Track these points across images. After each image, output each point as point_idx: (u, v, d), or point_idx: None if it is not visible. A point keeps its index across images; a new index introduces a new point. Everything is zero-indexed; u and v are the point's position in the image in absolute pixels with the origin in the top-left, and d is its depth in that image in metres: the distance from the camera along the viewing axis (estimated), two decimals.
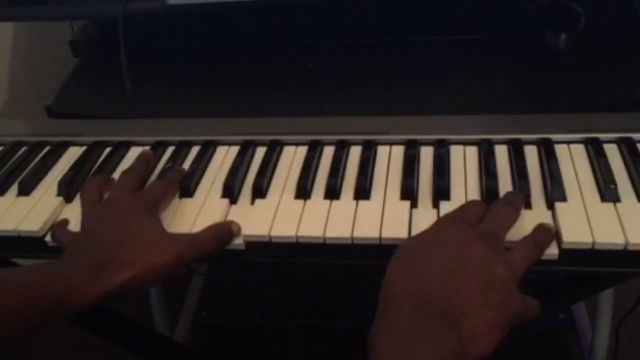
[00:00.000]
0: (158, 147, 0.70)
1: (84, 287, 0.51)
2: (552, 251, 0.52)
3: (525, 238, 0.52)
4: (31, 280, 0.51)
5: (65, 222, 0.60)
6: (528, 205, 0.56)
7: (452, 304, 0.45)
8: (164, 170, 0.66)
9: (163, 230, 0.56)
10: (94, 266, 0.52)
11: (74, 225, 0.60)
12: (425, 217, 0.56)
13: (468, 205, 0.55)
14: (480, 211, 0.54)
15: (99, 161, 0.69)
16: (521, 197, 0.56)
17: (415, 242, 0.52)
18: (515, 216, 0.54)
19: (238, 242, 0.57)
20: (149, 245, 0.54)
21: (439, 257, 0.49)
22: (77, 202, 0.63)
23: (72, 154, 0.70)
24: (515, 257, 0.50)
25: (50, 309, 0.51)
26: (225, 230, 0.57)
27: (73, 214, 0.61)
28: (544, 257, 0.52)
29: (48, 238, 0.59)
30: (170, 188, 0.62)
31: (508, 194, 0.57)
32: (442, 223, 0.53)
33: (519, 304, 0.47)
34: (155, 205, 0.59)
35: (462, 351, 0.44)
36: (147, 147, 0.70)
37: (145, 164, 0.66)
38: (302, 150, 0.66)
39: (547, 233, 0.53)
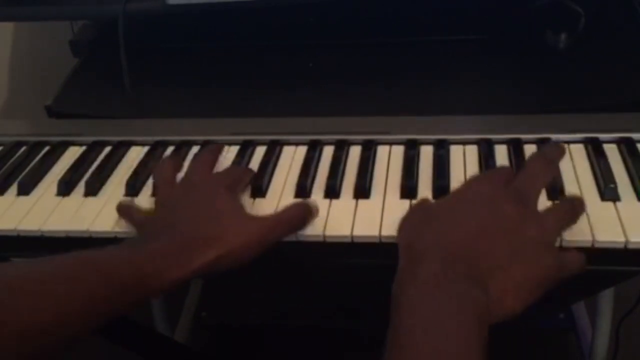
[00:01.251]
0: (158, 147, 0.70)
1: (167, 270, 0.49)
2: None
3: (558, 204, 0.51)
4: (110, 269, 0.49)
5: (131, 204, 0.59)
6: None
7: (479, 262, 0.44)
8: None
9: (245, 210, 0.55)
10: (176, 248, 0.50)
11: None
12: None
13: (498, 168, 0.54)
14: (511, 173, 0.53)
15: (99, 161, 0.69)
16: (560, 150, 0.55)
17: (442, 200, 0.51)
18: (551, 172, 0.52)
19: None
20: (232, 225, 0.52)
21: (467, 213, 0.48)
22: (74, 199, 0.63)
23: (72, 154, 0.70)
24: (548, 218, 0.48)
25: (130, 294, 0.49)
26: (308, 208, 0.55)
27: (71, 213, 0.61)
28: None
29: (48, 235, 0.59)
30: (248, 174, 0.60)
31: (547, 146, 0.55)
32: (471, 181, 0.52)
33: (550, 262, 0.46)
34: (235, 186, 0.57)
35: (489, 309, 0.43)
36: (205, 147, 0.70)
37: (217, 151, 0.64)
38: (302, 150, 0.66)
39: (578, 200, 0.52)
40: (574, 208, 0.51)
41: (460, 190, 0.51)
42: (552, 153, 0.54)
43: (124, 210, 0.58)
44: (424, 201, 0.53)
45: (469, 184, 0.52)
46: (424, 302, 0.43)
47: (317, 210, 0.56)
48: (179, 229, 0.52)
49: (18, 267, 0.49)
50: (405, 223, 0.50)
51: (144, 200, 0.62)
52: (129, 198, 0.62)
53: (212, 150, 0.64)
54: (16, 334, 0.44)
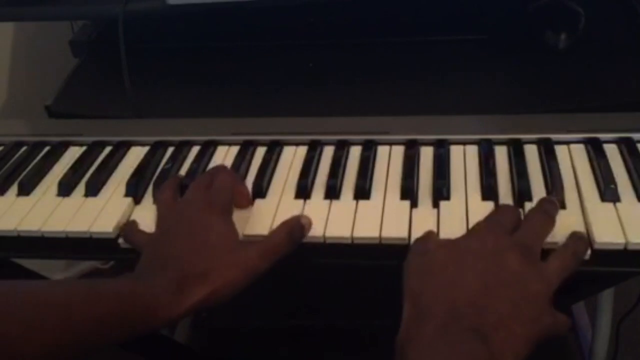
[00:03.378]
0: (158, 147, 0.70)
1: (165, 306, 0.50)
2: (554, 239, 0.52)
3: (561, 248, 0.51)
4: (112, 298, 0.50)
5: (133, 223, 0.60)
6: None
7: (484, 319, 0.45)
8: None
9: (237, 238, 0.55)
10: (174, 284, 0.51)
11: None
12: (425, 217, 0.56)
13: (502, 211, 0.54)
14: (515, 217, 0.53)
15: (99, 161, 0.69)
16: (556, 205, 0.55)
17: (448, 248, 0.50)
18: (551, 225, 0.53)
19: None
20: (225, 258, 0.52)
21: (473, 268, 0.48)
22: (74, 199, 0.63)
23: (72, 154, 0.70)
24: (550, 271, 0.49)
25: (130, 327, 0.50)
26: (295, 226, 0.55)
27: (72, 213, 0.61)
28: (541, 252, 0.52)
29: (49, 235, 0.59)
30: (237, 181, 0.60)
31: (544, 201, 0.55)
32: (477, 230, 0.52)
33: (549, 320, 0.47)
34: (228, 205, 0.57)
35: None
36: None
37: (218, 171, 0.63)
38: (302, 150, 0.66)
39: (581, 242, 0.52)
40: (575, 255, 0.51)
41: (463, 239, 0.51)
42: (551, 208, 0.54)
43: (127, 234, 0.59)
44: (425, 241, 0.53)
45: (474, 232, 0.52)
46: (431, 352, 0.44)
47: (309, 224, 0.56)
48: (175, 263, 0.52)
49: (10, 291, 0.49)
50: (412, 269, 0.50)
51: (147, 206, 0.62)
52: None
53: (212, 172, 0.62)
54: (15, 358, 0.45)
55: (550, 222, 0.53)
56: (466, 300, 0.46)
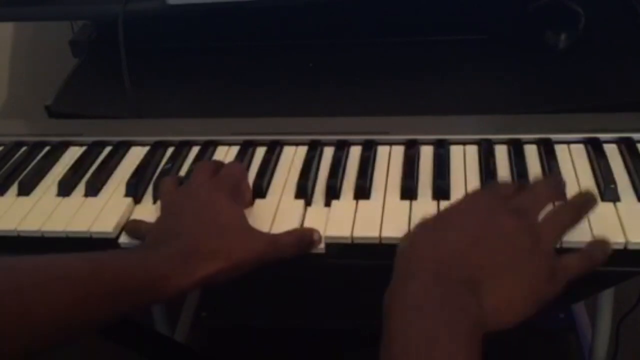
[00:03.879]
0: (158, 147, 0.70)
1: (172, 276, 0.49)
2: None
3: (561, 204, 0.51)
4: (120, 268, 0.49)
5: (137, 220, 0.59)
6: None
7: (474, 271, 0.44)
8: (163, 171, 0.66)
9: (246, 222, 0.55)
10: (184, 255, 0.50)
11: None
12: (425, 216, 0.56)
13: (501, 182, 0.54)
14: (513, 187, 0.52)
15: (99, 161, 0.69)
16: (561, 184, 0.54)
17: (443, 211, 0.51)
18: (552, 196, 0.52)
19: None
20: (234, 238, 0.52)
21: (465, 224, 0.47)
22: (74, 199, 0.63)
23: (72, 154, 0.70)
24: (545, 227, 0.48)
25: (138, 297, 0.49)
26: (306, 237, 0.55)
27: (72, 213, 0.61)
28: None
29: (49, 235, 0.59)
30: (245, 172, 0.61)
31: (548, 178, 0.55)
32: (473, 193, 0.52)
33: (544, 275, 0.45)
34: (235, 189, 0.57)
35: (482, 319, 0.42)
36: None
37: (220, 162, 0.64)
38: (302, 150, 0.66)
39: (588, 198, 0.51)
40: (577, 208, 0.50)
41: (458, 202, 0.51)
42: (555, 183, 0.54)
43: (131, 228, 0.59)
44: (424, 219, 0.53)
45: (468, 195, 0.52)
46: (416, 313, 0.42)
47: (319, 240, 0.55)
48: (185, 238, 0.52)
49: (28, 264, 0.49)
50: (402, 242, 0.50)
51: (147, 206, 0.62)
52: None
53: (217, 162, 0.63)
54: (28, 328, 0.45)
55: (552, 192, 0.52)
56: (454, 254, 0.45)
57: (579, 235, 0.52)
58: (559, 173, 0.59)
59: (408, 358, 0.41)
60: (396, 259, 0.47)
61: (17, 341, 0.44)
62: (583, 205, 0.51)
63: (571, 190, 0.57)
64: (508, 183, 0.54)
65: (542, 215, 0.49)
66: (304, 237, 0.55)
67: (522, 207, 0.49)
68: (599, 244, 0.50)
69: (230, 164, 0.62)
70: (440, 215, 0.50)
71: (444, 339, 0.41)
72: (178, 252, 0.51)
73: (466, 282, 0.43)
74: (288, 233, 0.55)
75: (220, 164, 0.62)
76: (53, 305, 0.46)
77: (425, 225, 0.49)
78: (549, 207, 0.51)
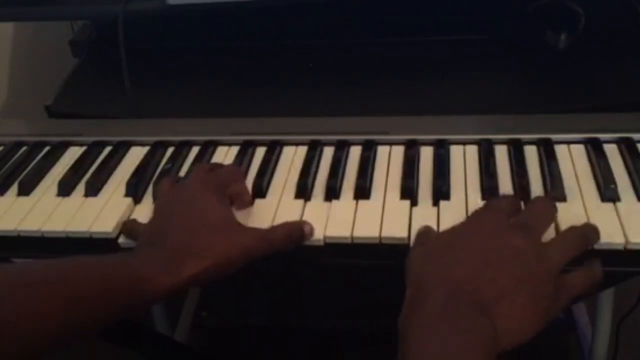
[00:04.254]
0: (158, 147, 0.70)
1: (159, 277, 0.50)
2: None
3: (567, 229, 0.51)
4: (106, 272, 0.50)
5: (135, 220, 0.60)
6: None
7: (485, 293, 0.45)
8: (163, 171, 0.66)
9: (234, 219, 0.55)
10: (168, 256, 0.51)
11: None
12: (425, 216, 0.56)
13: (504, 197, 0.55)
14: (515, 203, 0.53)
15: (99, 161, 0.69)
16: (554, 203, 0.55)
17: (448, 232, 0.51)
18: (554, 212, 0.53)
19: None
20: (221, 236, 0.53)
21: (473, 246, 0.48)
22: (74, 199, 0.63)
23: (72, 154, 0.70)
24: (552, 249, 0.49)
25: (126, 300, 0.50)
26: (297, 230, 0.55)
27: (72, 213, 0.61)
28: None
29: (49, 235, 0.59)
30: (240, 173, 0.61)
31: (548, 197, 0.56)
32: (476, 214, 0.52)
33: (552, 294, 0.46)
34: (225, 190, 0.58)
35: (495, 340, 0.43)
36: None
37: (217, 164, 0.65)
38: (302, 150, 0.66)
39: (591, 228, 0.52)
40: (585, 235, 0.51)
41: (463, 224, 0.52)
42: (552, 201, 0.55)
43: (126, 228, 0.59)
44: (426, 233, 0.53)
45: (472, 218, 0.53)
46: (431, 336, 0.43)
47: (311, 232, 0.56)
48: (172, 237, 0.53)
49: (17, 269, 0.50)
50: (413, 257, 0.50)
51: (147, 206, 0.62)
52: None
53: (216, 164, 0.64)
54: (17, 334, 0.44)
55: (553, 208, 0.53)
56: (466, 277, 0.46)
57: None
58: (559, 175, 0.59)
59: None
60: (408, 285, 0.48)
61: (9, 346, 0.44)
62: (592, 235, 0.52)
63: (571, 191, 0.57)
64: (509, 198, 0.55)
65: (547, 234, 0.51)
66: (294, 229, 0.55)
67: (526, 224, 0.50)
68: (598, 262, 0.51)
69: (228, 166, 0.63)
70: (446, 239, 0.51)
71: (456, 356, 0.42)
72: (163, 253, 0.51)
73: (479, 304, 0.44)
74: (279, 226, 0.55)
75: (218, 166, 0.62)
76: (34, 314, 0.46)
77: (432, 248, 0.50)
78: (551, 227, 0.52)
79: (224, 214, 0.55)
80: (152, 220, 0.57)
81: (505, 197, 0.55)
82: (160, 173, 0.65)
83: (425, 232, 0.54)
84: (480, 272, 0.46)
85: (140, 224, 0.58)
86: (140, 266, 0.50)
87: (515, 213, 0.52)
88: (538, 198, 0.55)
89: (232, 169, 0.62)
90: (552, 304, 0.46)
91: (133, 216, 0.61)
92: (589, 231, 0.52)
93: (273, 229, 0.55)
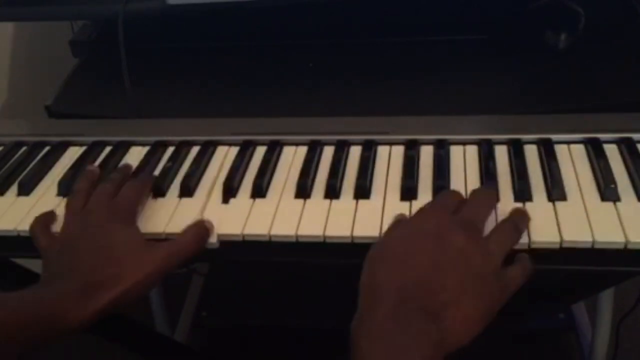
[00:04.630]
0: (158, 147, 0.70)
1: (73, 311, 0.51)
2: (554, 239, 0.52)
3: (501, 223, 0.53)
4: (18, 307, 0.51)
5: (47, 219, 0.60)
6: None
7: (432, 297, 0.46)
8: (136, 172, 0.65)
9: (141, 241, 0.56)
10: (79, 289, 0.52)
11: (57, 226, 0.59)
12: None
13: (445, 194, 0.56)
14: (458, 198, 0.55)
15: (99, 161, 0.69)
16: (495, 190, 0.57)
17: (395, 234, 0.52)
18: (493, 202, 0.55)
19: (237, 239, 0.57)
20: (129, 261, 0.53)
21: (418, 249, 0.49)
22: None
23: (72, 154, 0.70)
24: (493, 244, 0.50)
25: (41, 333, 0.51)
26: (201, 229, 0.56)
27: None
28: (541, 253, 0.52)
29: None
30: (143, 189, 0.61)
31: (486, 187, 0.58)
32: (421, 213, 0.54)
33: (496, 291, 0.48)
34: (131, 212, 0.58)
35: (442, 342, 0.45)
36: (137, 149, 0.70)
37: (123, 175, 0.64)
38: (302, 150, 0.66)
39: (522, 215, 0.54)
40: (516, 225, 0.52)
41: (409, 225, 0.53)
42: (490, 186, 0.57)
43: (34, 227, 0.59)
44: (387, 233, 0.54)
45: (420, 215, 0.54)
46: (381, 340, 0.44)
47: (212, 227, 0.57)
48: (80, 270, 0.53)
49: None
50: (367, 260, 0.51)
51: (146, 206, 0.62)
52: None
53: (114, 178, 0.62)
54: None
55: (491, 198, 0.55)
56: (414, 281, 0.47)
57: (579, 234, 0.52)
58: (559, 175, 0.59)
59: None
60: (360, 290, 0.49)
61: None
62: (521, 221, 0.53)
63: (571, 191, 0.57)
64: (452, 193, 0.56)
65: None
66: (199, 229, 0.56)
67: (468, 220, 0.52)
68: (526, 256, 0.52)
69: (126, 187, 0.61)
70: (393, 242, 0.52)
71: None
72: (74, 287, 0.52)
73: (425, 309, 0.46)
74: (184, 232, 0.56)
75: (119, 184, 0.61)
76: None
77: (381, 253, 0.51)
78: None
79: (130, 238, 0.56)
80: (59, 249, 0.56)
81: (448, 192, 0.57)
82: (161, 173, 0.65)
83: (388, 229, 0.54)
84: (427, 277, 0.47)
85: (45, 235, 0.58)
86: (52, 303, 0.51)
87: (459, 206, 0.54)
88: (477, 190, 0.57)
89: (132, 189, 0.61)
90: (496, 302, 0.48)
91: None
92: (517, 219, 0.53)
93: (180, 238, 0.56)
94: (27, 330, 0.51)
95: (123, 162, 0.68)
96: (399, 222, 0.54)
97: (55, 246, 0.57)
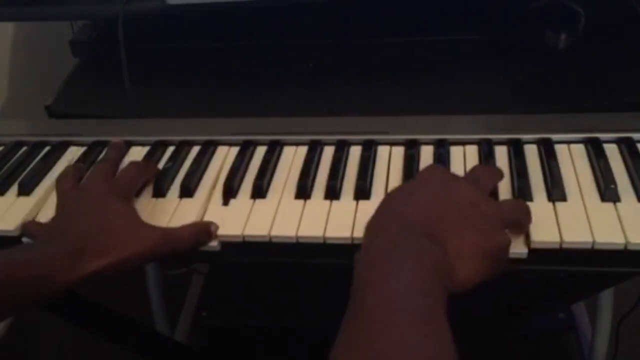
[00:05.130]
0: (158, 147, 0.70)
1: (59, 272, 0.51)
2: (554, 239, 0.52)
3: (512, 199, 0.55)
4: (5, 264, 0.51)
5: (32, 222, 0.61)
6: None
7: (436, 225, 0.46)
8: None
9: (139, 218, 0.56)
10: (69, 252, 0.52)
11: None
12: None
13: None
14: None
15: (99, 161, 0.69)
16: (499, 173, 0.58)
17: (400, 185, 0.54)
18: (498, 175, 0.56)
19: (237, 240, 0.57)
20: (124, 234, 0.54)
21: (424, 190, 0.50)
22: None
23: (72, 154, 0.70)
24: (500, 204, 0.52)
25: (24, 293, 0.51)
26: (203, 230, 0.57)
27: None
28: (541, 252, 0.52)
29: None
30: (143, 172, 0.62)
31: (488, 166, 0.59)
32: (427, 167, 0.55)
33: (500, 239, 0.48)
34: (129, 191, 0.59)
35: (448, 267, 0.44)
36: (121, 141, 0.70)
37: (118, 152, 0.66)
38: (302, 150, 0.66)
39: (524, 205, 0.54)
40: (527, 210, 0.53)
41: (417, 175, 0.55)
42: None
43: (25, 225, 0.60)
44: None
45: (426, 168, 0.55)
46: (383, 262, 0.44)
47: (216, 232, 0.57)
48: (72, 236, 0.54)
49: None
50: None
51: (146, 205, 0.62)
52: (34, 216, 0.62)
53: (110, 158, 0.64)
54: None
55: (495, 171, 0.57)
56: (417, 213, 0.48)
57: (579, 235, 0.52)
58: (559, 175, 0.59)
59: (374, 291, 0.42)
60: (364, 232, 0.49)
61: None
62: (528, 212, 0.53)
63: (571, 191, 0.57)
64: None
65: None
66: (201, 230, 0.57)
67: (475, 178, 0.53)
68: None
69: (128, 166, 0.62)
70: (398, 188, 0.53)
71: (409, 271, 0.42)
72: (64, 250, 0.52)
73: (429, 234, 0.46)
74: (186, 226, 0.57)
75: (116, 165, 0.63)
76: None
77: (385, 201, 0.52)
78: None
79: (127, 214, 0.56)
80: (52, 220, 0.57)
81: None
82: (161, 173, 0.65)
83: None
84: (431, 209, 0.48)
85: (37, 224, 0.59)
86: (40, 263, 0.51)
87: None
88: (476, 166, 0.58)
89: (132, 169, 0.62)
90: (498, 248, 0.48)
91: None
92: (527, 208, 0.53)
93: (181, 228, 0.57)
94: (14, 288, 0.51)
95: (123, 162, 0.68)
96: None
97: (51, 220, 0.57)
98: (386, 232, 0.46)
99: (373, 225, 0.49)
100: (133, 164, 0.64)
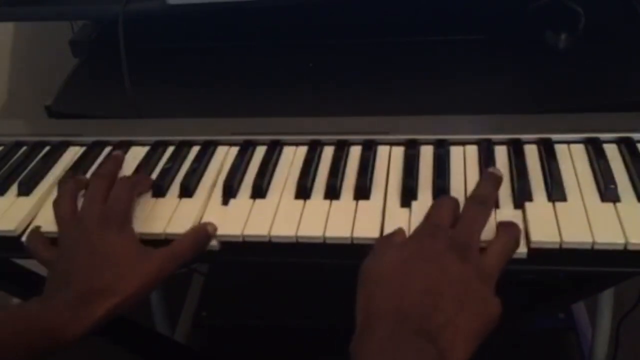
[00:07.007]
0: (158, 147, 0.69)
1: (69, 325, 0.51)
2: (554, 239, 0.52)
3: (495, 240, 0.52)
4: (19, 319, 0.52)
5: (39, 233, 0.59)
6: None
7: (429, 319, 0.46)
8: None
9: (138, 247, 0.55)
10: (75, 301, 0.52)
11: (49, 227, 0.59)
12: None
13: (439, 207, 0.55)
14: (451, 210, 0.54)
15: (99, 161, 0.69)
16: (491, 191, 0.56)
17: (391, 258, 0.51)
18: (487, 215, 0.54)
19: (237, 240, 0.57)
20: (125, 269, 0.53)
21: (415, 272, 0.49)
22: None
23: (72, 154, 0.70)
24: (488, 264, 0.50)
25: (40, 345, 0.52)
26: (201, 234, 0.57)
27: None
28: (541, 252, 0.52)
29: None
30: (134, 188, 0.60)
31: (478, 190, 0.57)
32: (416, 236, 0.53)
33: (493, 311, 0.48)
34: (125, 215, 0.57)
35: None
36: (119, 151, 0.70)
37: (117, 166, 0.64)
38: (302, 150, 0.66)
39: (514, 228, 0.53)
40: (514, 237, 0.52)
41: (405, 249, 0.52)
42: (485, 196, 0.56)
43: (31, 243, 0.59)
44: (383, 253, 0.53)
45: (413, 239, 0.53)
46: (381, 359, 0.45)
47: (214, 231, 0.57)
48: (76, 280, 0.53)
49: None
50: (363, 275, 0.51)
51: (146, 204, 0.62)
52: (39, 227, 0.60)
53: (106, 174, 0.62)
54: None
55: (486, 212, 0.54)
56: (412, 303, 0.47)
57: (579, 235, 0.52)
58: (559, 175, 0.59)
59: None
60: (357, 312, 0.49)
61: None
62: (516, 232, 0.53)
63: (571, 191, 0.57)
64: (445, 207, 0.55)
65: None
66: (199, 234, 0.56)
67: (462, 241, 0.51)
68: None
69: (120, 186, 0.60)
70: (390, 264, 0.51)
71: None
72: (69, 298, 0.52)
73: (423, 331, 0.46)
74: (183, 237, 0.56)
75: (113, 180, 0.61)
76: None
77: (378, 275, 0.50)
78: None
79: (125, 245, 0.55)
80: (57, 259, 0.56)
81: (441, 205, 0.55)
82: (161, 173, 0.65)
83: (383, 241, 0.54)
84: (425, 299, 0.47)
85: (44, 249, 0.58)
86: (49, 317, 0.52)
87: (454, 220, 0.53)
88: (468, 205, 0.55)
89: (122, 190, 0.59)
90: (491, 320, 0.48)
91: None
92: (517, 233, 0.52)
93: (178, 242, 0.56)
94: (32, 340, 0.51)
95: (123, 162, 0.68)
96: (394, 242, 0.53)
97: (55, 258, 0.57)
98: (382, 332, 0.46)
99: (368, 312, 0.48)
100: (125, 182, 0.61)
